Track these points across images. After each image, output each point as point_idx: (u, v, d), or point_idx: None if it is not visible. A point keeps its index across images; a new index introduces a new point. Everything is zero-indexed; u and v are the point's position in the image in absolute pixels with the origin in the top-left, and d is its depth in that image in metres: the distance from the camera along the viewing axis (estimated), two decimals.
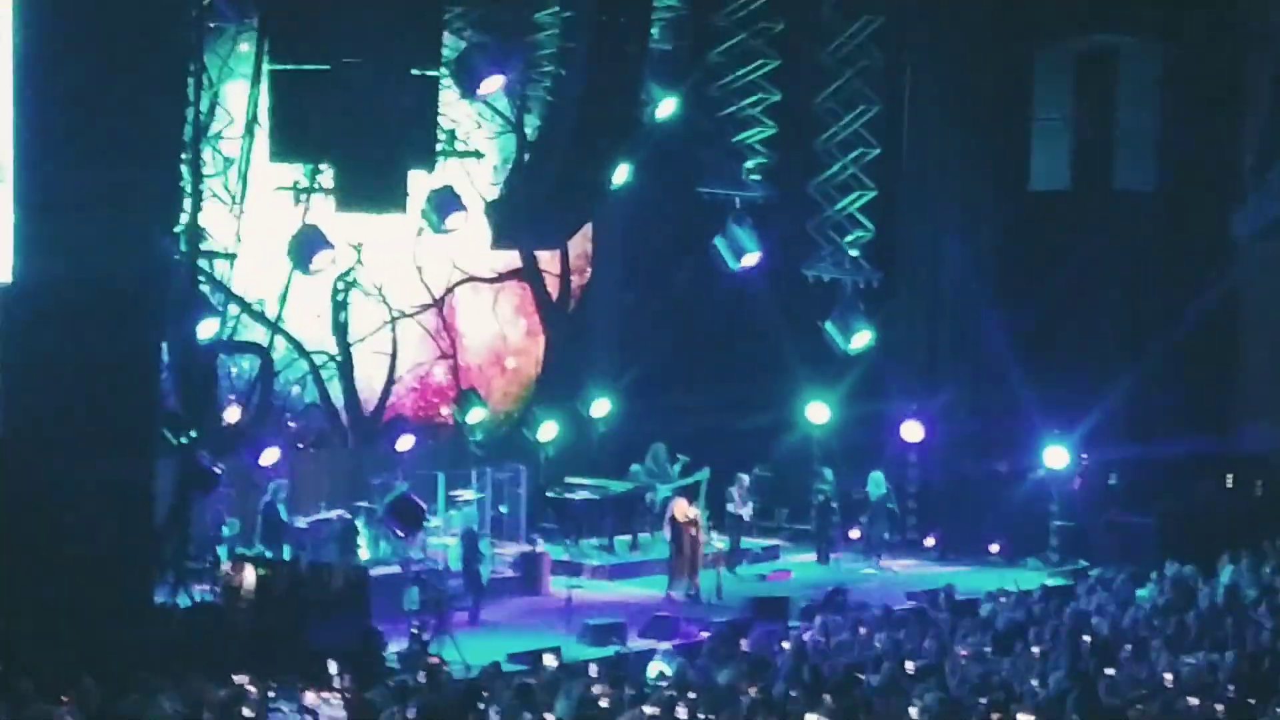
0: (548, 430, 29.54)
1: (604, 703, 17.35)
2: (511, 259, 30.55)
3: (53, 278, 20.00)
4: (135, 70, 20.66)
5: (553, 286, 31.46)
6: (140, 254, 21.18)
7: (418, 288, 29.73)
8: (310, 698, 7.91)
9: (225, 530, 24.86)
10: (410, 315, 29.67)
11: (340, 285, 28.48)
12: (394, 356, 29.49)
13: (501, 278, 30.73)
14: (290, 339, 27.88)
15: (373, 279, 28.97)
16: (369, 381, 29.40)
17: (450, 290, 30.11)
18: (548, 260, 31.16)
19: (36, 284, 19.88)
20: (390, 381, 29.49)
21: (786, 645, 21.70)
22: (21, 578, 20.02)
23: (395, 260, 29.09)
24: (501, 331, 31.20)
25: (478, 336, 30.85)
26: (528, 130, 29.35)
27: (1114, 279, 31.32)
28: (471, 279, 30.37)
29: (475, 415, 28.66)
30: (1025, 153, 31.11)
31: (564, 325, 31.48)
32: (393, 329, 29.43)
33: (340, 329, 28.83)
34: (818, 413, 31.16)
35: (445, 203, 26.32)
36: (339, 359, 28.83)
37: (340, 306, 28.70)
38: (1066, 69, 31.33)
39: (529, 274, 31.01)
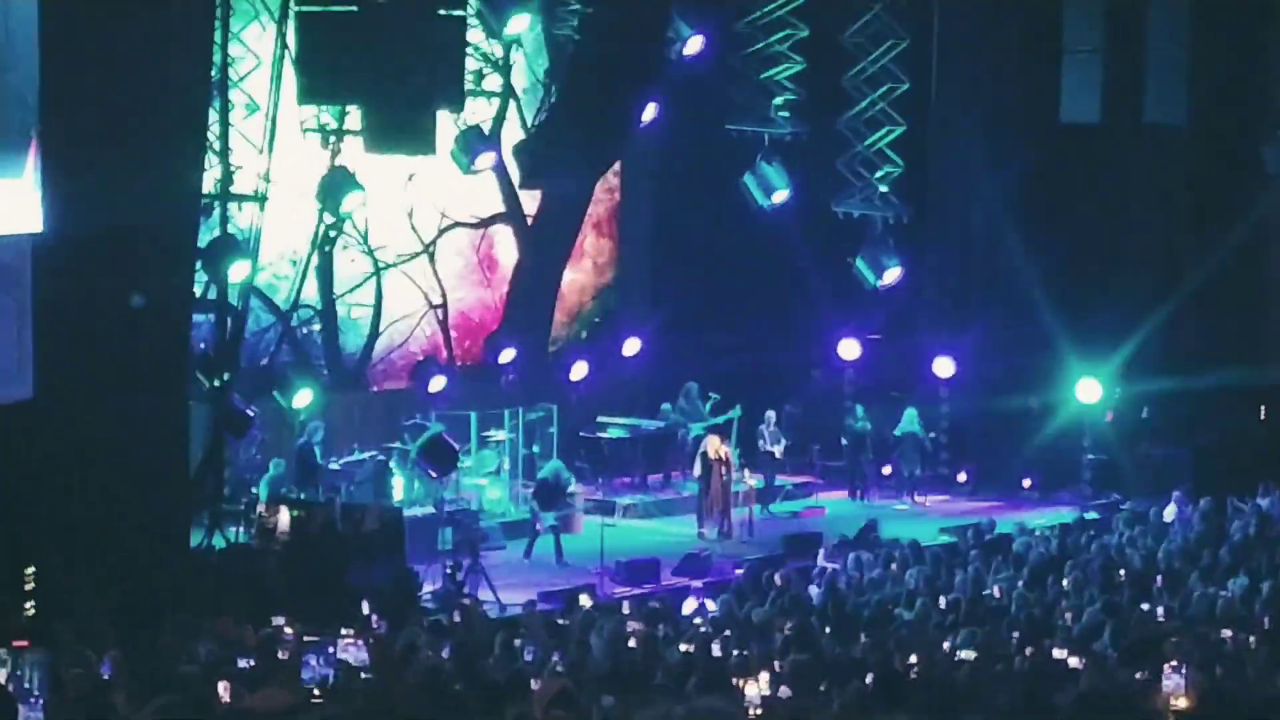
0: (579, 370, 29.53)
1: (638, 641, 17.40)
2: (495, 203, 29.91)
3: (83, 225, 19.97)
4: (160, 14, 20.63)
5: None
6: (169, 198, 21.19)
7: (406, 235, 29.04)
8: (342, 645, 7.87)
9: (271, 469, 24.79)
10: (396, 265, 28.89)
11: (328, 234, 27.59)
12: (378, 305, 28.81)
13: (485, 223, 30.01)
14: (262, 296, 26.57)
15: (361, 226, 28.22)
16: (400, 325, 29.21)
17: (439, 236, 29.36)
18: (529, 202, 30.41)
19: (67, 232, 19.85)
20: (375, 332, 28.88)
21: (818, 586, 21.76)
22: (58, 523, 20.10)
23: (385, 208, 28.33)
24: None
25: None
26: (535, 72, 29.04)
27: (1145, 212, 31.19)
28: (457, 224, 29.63)
29: (506, 356, 28.58)
30: (1055, 86, 30.89)
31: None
32: (378, 278, 28.71)
33: (325, 279, 28.03)
34: (849, 349, 31.16)
35: (474, 142, 26.31)
36: (321, 309, 28.01)
37: (326, 256, 27.96)
38: (1097, 1, 31.11)
39: (512, 216, 30.44)
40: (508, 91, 29.25)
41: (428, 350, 29.24)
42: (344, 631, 7.82)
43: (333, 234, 27.44)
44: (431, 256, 29.32)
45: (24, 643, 12.57)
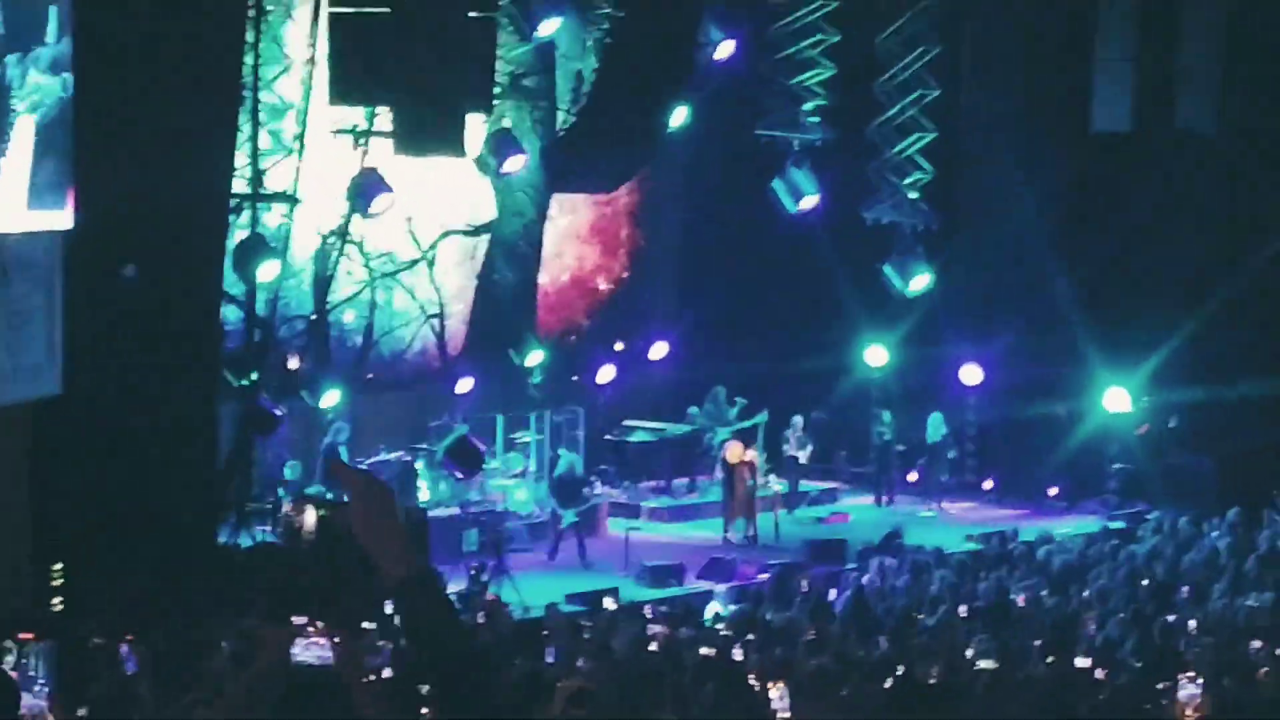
0: (605, 373, 29.60)
1: (660, 644, 17.42)
2: (489, 211, 29.15)
3: (114, 222, 20.03)
4: (194, 11, 20.70)
5: None
6: (199, 197, 21.25)
7: (404, 242, 28.44)
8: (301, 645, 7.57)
9: (288, 472, 24.92)
10: (394, 273, 28.33)
11: (330, 240, 26.77)
12: (372, 312, 28.13)
13: (478, 230, 29.28)
14: (236, 302, 24.61)
15: (358, 233, 27.40)
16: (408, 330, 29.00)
17: (435, 244, 28.75)
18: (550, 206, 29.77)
19: (98, 229, 19.92)
20: (369, 339, 28.23)
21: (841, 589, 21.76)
22: (85, 519, 20.18)
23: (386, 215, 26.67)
24: (578, 254, 31.15)
25: (554, 263, 30.60)
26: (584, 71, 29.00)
27: (1176, 221, 31.07)
28: (449, 233, 28.99)
29: (534, 358, 28.56)
30: (1087, 94, 30.80)
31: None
32: (373, 287, 28.08)
33: (322, 284, 26.93)
34: (876, 356, 31.13)
35: (503, 145, 26.35)
36: (314, 317, 26.85)
37: (326, 261, 27.00)
38: (1130, 8, 31.01)
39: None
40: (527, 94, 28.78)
41: (435, 356, 29.02)
42: (300, 628, 7.70)
43: (330, 240, 26.86)
44: (430, 264, 29.01)
45: (29, 635, 12.62)
